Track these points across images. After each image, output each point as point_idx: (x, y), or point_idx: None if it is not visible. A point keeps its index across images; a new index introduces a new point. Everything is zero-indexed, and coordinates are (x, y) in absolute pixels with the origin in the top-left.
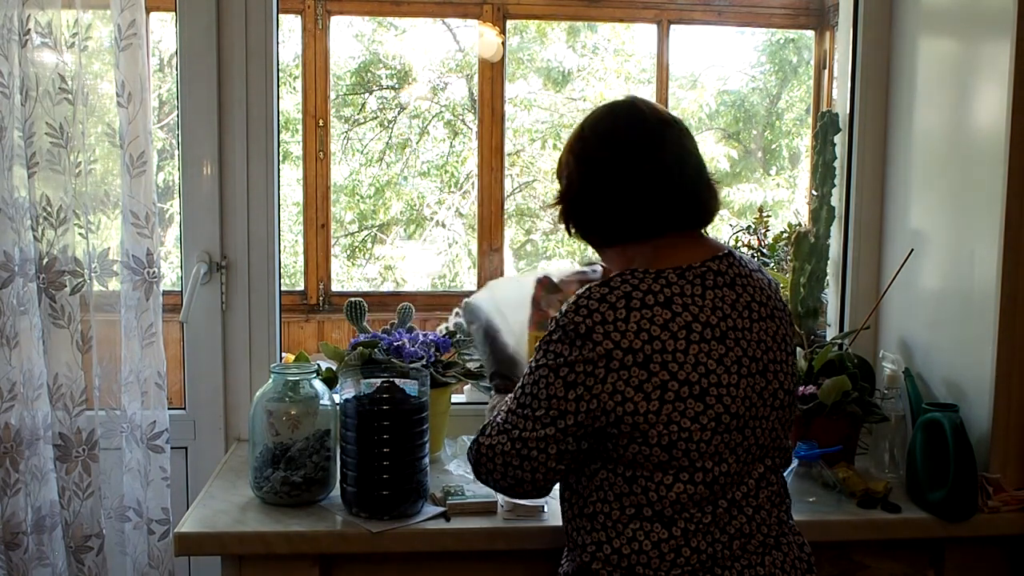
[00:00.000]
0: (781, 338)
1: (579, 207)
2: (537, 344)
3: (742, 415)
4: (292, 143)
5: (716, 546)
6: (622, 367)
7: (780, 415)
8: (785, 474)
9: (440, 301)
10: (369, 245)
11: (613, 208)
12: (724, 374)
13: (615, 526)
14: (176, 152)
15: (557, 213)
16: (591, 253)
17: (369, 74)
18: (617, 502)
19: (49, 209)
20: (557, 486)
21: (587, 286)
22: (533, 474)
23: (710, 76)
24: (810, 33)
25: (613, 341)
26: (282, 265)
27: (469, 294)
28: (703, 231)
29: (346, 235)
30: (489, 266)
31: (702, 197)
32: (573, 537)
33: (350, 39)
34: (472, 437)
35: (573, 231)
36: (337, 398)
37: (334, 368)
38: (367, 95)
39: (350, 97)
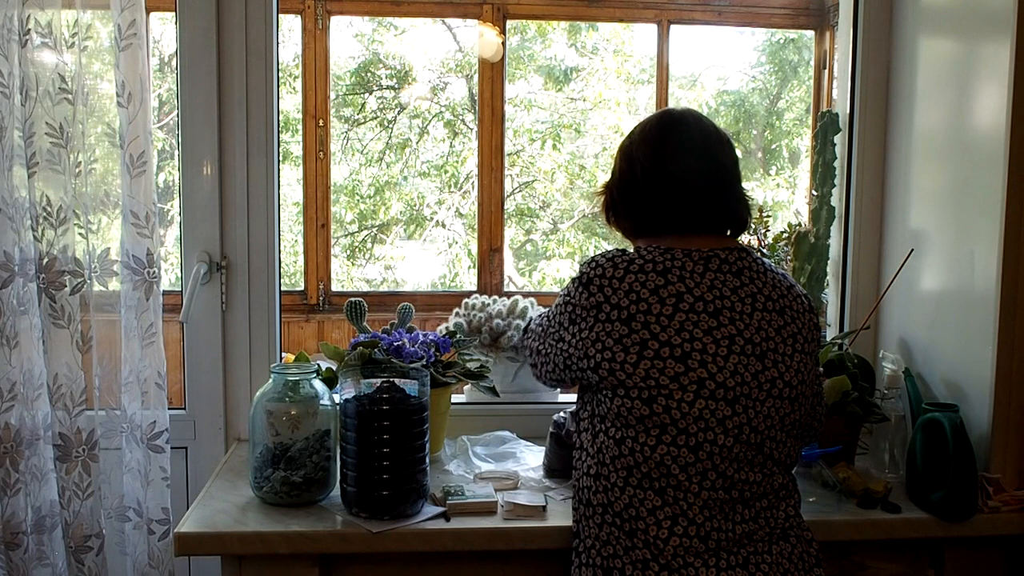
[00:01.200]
0: (789, 335)
1: (617, 197)
2: None
3: (731, 388)
4: (292, 143)
5: (713, 522)
6: (607, 320)
7: (777, 405)
8: None
9: (440, 301)
10: (369, 245)
11: (644, 202)
12: (711, 344)
13: (612, 490)
14: (176, 152)
15: (600, 201)
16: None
17: (369, 74)
18: (612, 465)
19: (49, 209)
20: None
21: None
22: (543, 368)
23: (710, 76)
24: (810, 33)
25: (604, 295)
26: (282, 265)
27: (469, 294)
28: (736, 237)
29: (346, 235)
30: (489, 266)
31: (729, 206)
32: (578, 496)
33: (350, 39)
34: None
35: (612, 218)
36: (337, 398)
37: (334, 368)
38: (367, 95)
39: (350, 97)
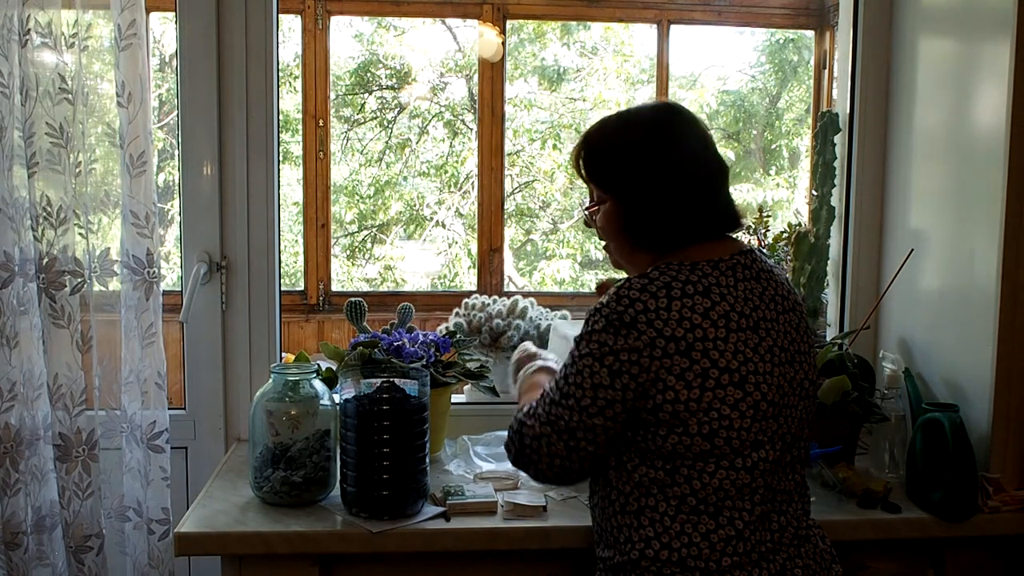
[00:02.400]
0: (803, 331)
1: (633, 209)
2: (577, 336)
3: (777, 403)
4: (292, 143)
5: (758, 535)
6: (665, 355)
7: (806, 405)
8: None
9: (440, 301)
10: (369, 245)
11: (666, 211)
12: (760, 362)
13: (662, 520)
14: (176, 152)
15: (601, 217)
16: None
17: (369, 74)
18: (661, 495)
19: (49, 209)
20: (587, 483)
21: (626, 278)
22: (581, 463)
23: (710, 76)
24: (810, 33)
25: (656, 329)
26: (282, 265)
27: (469, 294)
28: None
29: (346, 235)
30: (489, 266)
31: (732, 206)
32: (614, 535)
33: (350, 39)
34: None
35: (623, 236)
36: (337, 398)
37: (334, 368)
38: (367, 95)
39: (350, 97)
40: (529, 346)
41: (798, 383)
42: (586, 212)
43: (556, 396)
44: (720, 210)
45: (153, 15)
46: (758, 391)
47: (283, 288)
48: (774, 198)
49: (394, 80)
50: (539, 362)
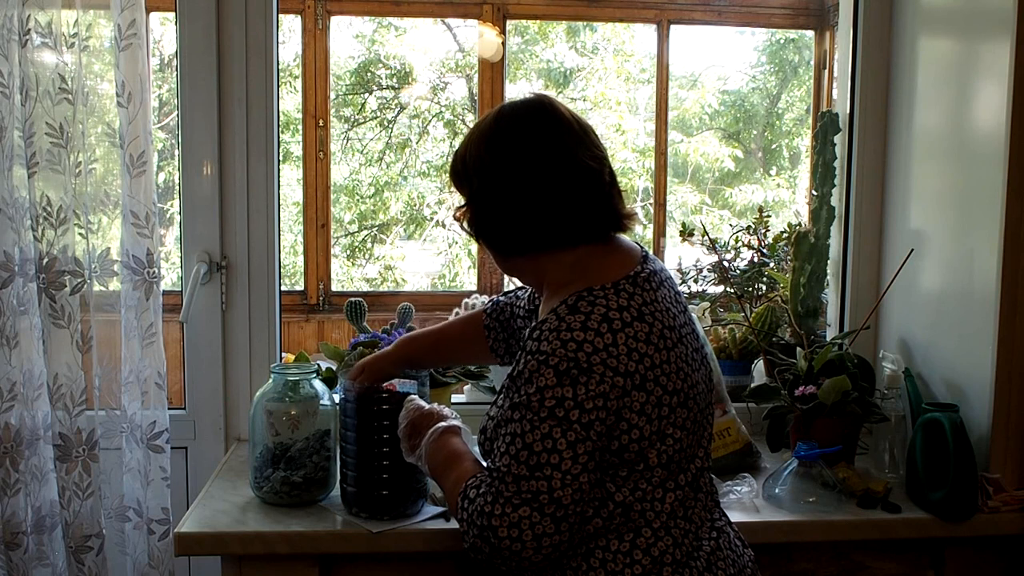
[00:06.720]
0: (691, 320)
1: (520, 208)
2: (517, 396)
3: (703, 408)
4: (292, 143)
5: (691, 534)
6: (624, 394)
7: (711, 398)
8: (785, 474)
9: (440, 301)
10: (369, 245)
11: (564, 207)
12: (692, 373)
13: (614, 559)
14: (176, 152)
15: (469, 219)
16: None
17: (369, 74)
18: (614, 534)
19: (49, 209)
20: None
21: (553, 316)
22: (570, 530)
23: (710, 76)
24: (810, 33)
25: (611, 368)
26: (282, 265)
27: (469, 294)
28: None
29: (346, 235)
30: (489, 266)
31: (612, 206)
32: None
33: (350, 39)
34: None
35: (510, 237)
36: (337, 398)
37: (334, 368)
38: (367, 95)
39: (350, 97)
40: (418, 400)
41: (707, 379)
42: (454, 216)
43: (520, 470)
44: (594, 211)
45: (153, 15)
46: (695, 403)
47: (283, 288)
48: (774, 198)
49: (394, 80)
50: (443, 424)
